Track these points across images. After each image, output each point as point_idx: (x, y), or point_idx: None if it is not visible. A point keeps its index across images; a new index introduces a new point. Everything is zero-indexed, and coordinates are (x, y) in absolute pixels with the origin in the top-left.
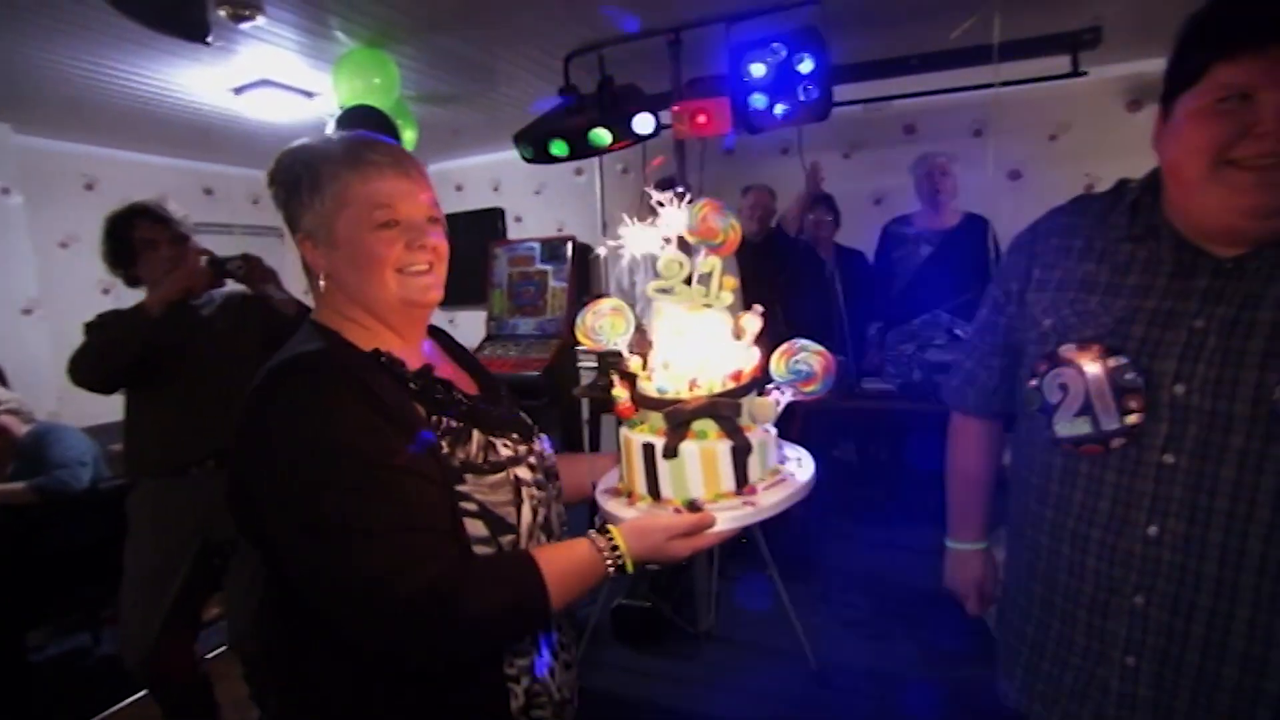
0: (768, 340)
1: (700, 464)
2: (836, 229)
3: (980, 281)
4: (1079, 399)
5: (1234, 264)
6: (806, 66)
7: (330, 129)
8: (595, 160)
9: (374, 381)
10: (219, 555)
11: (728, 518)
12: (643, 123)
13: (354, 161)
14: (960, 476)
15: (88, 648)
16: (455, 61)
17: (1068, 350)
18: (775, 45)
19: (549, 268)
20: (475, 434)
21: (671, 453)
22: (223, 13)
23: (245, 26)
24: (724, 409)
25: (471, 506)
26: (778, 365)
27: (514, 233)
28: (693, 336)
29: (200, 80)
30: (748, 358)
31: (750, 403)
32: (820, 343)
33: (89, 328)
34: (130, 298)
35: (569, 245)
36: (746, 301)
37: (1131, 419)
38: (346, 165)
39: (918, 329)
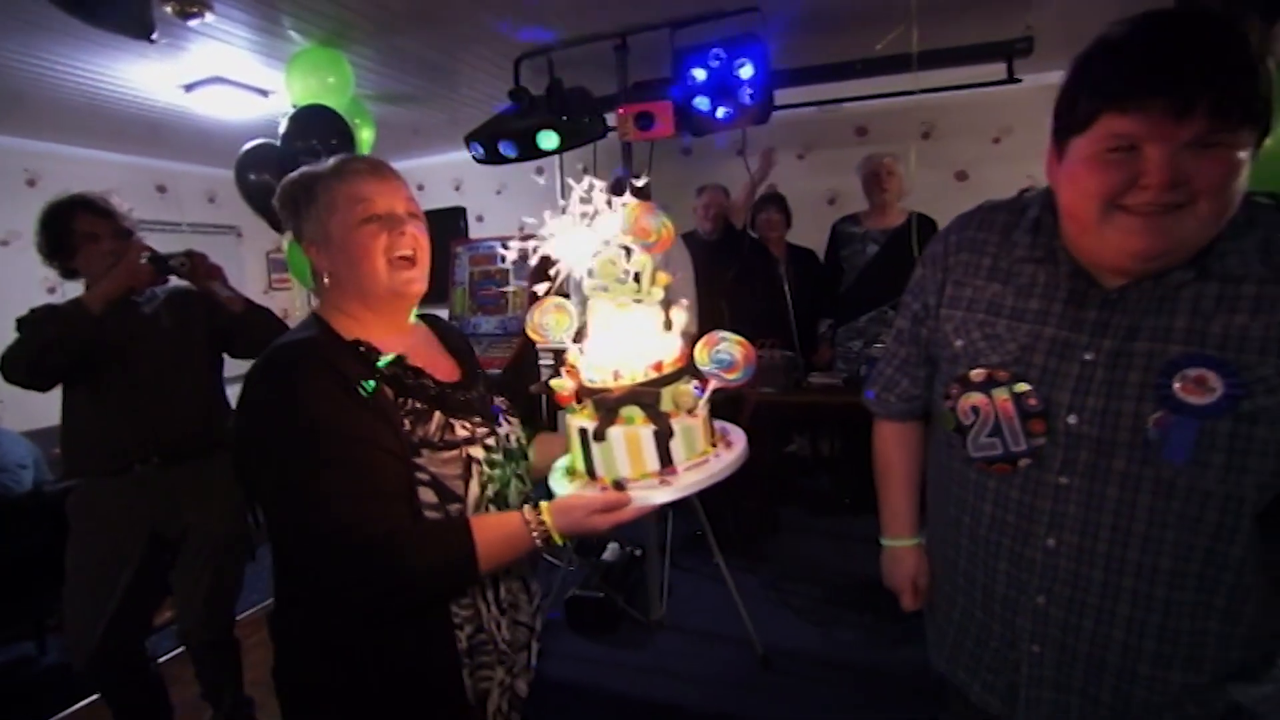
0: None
1: (625, 446)
2: (787, 228)
3: None
4: (989, 422)
5: (1118, 294)
6: (747, 71)
7: (283, 127)
8: (555, 160)
9: (347, 365)
10: (168, 550)
11: (645, 495)
12: (546, 139)
13: (337, 172)
14: (888, 477)
15: (33, 656)
16: (412, 62)
17: (978, 375)
18: (716, 51)
19: (510, 267)
20: (437, 415)
21: (600, 436)
22: (169, 9)
23: (194, 24)
24: (644, 396)
25: (424, 477)
26: (701, 355)
27: (475, 232)
28: (620, 330)
29: (149, 76)
30: (669, 349)
31: (673, 390)
32: (770, 338)
33: (21, 323)
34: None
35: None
36: (700, 297)
37: (1036, 442)
38: (332, 176)
39: (864, 326)
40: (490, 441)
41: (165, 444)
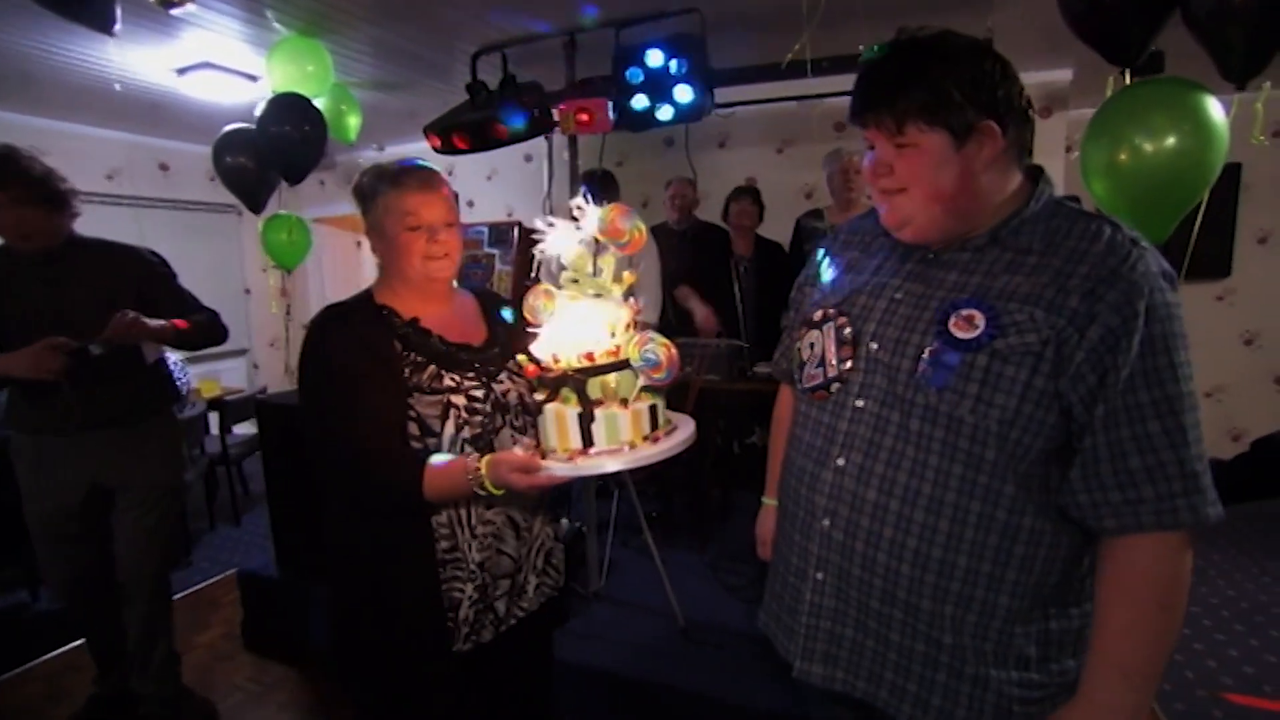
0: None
1: (554, 422)
2: (760, 221)
3: None
4: (818, 354)
5: (934, 255)
6: (680, 71)
7: (258, 111)
8: (544, 147)
9: (369, 325)
10: (105, 498)
11: (554, 468)
12: (496, 132)
13: (395, 182)
14: (776, 439)
15: (27, 603)
16: (393, 52)
17: (817, 314)
18: (652, 51)
19: (496, 251)
20: (431, 367)
21: (538, 409)
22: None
23: (176, 12)
24: (571, 382)
25: (413, 414)
26: (632, 351)
27: (466, 217)
28: (569, 320)
29: (144, 60)
30: (602, 343)
31: (600, 380)
32: (720, 328)
33: None
34: None
35: (515, 230)
36: (665, 288)
37: (845, 367)
38: (390, 183)
39: None
40: (477, 393)
41: (102, 416)
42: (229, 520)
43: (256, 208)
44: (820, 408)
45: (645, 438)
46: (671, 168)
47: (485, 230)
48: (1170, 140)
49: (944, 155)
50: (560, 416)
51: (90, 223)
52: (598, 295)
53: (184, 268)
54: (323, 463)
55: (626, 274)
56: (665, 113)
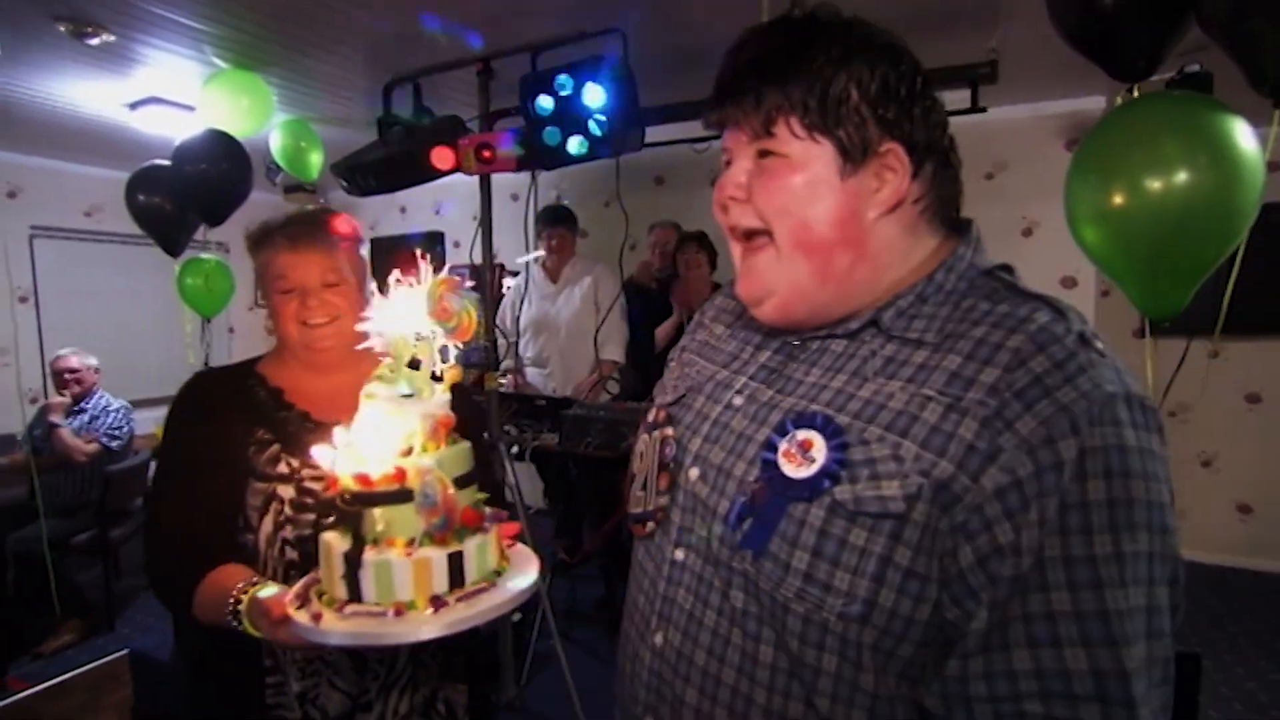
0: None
1: (324, 556)
2: (713, 269)
3: None
4: (644, 471)
5: (800, 343)
6: (595, 98)
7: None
8: (527, 186)
9: (231, 391)
10: None
11: (298, 623)
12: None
13: (265, 241)
14: None
15: None
16: (346, 87)
17: (653, 414)
18: (561, 77)
19: (475, 295)
20: (274, 448)
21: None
22: (63, 29)
23: (94, 43)
24: (340, 511)
25: (245, 499)
26: (415, 480)
27: (452, 257)
28: (365, 425)
29: (94, 96)
30: (386, 462)
31: (374, 515)
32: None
33: None
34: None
35: (493, 272)
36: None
37: (660, 500)
38: (262, 243)
39: None
40: (315, 485)
41: None
42: None
43: (173, 250)
44: (645, 549)
45: (436, 598)
46: (663, 208)
47: (465, 272)
48: (1182, 175)
49: (822, 178)
50: (328, 551)
51: (69, 260)
52: (408, 395)
53: (168, 307)
54: (147, 537)
55: (449, 370)
56: (577, 146)
